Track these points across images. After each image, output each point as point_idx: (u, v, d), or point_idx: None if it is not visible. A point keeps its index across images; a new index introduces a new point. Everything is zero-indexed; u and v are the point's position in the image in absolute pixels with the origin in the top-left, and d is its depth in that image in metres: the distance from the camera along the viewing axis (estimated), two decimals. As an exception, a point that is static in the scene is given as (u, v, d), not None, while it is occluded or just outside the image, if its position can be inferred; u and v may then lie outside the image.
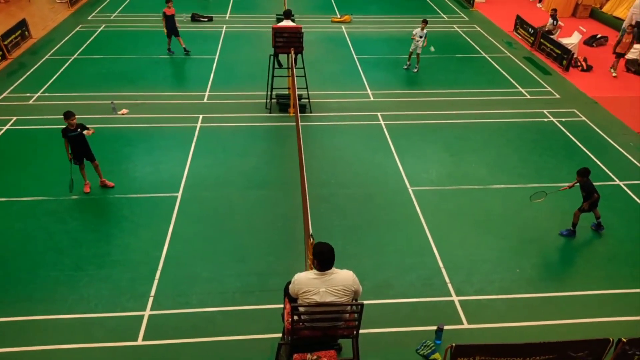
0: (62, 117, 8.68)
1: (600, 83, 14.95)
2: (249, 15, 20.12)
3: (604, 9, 20.71)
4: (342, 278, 4.95)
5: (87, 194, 9.33)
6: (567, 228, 8.70)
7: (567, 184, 8.88)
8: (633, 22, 17.90)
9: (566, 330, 6.92)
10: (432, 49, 14.85)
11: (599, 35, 18.27)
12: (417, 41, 14.61)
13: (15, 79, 13.89)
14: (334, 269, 4.94)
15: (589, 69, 15.80)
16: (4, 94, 13.02)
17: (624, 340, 5.47)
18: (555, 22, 17.23)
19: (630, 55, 15.92)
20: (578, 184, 8.48)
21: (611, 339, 5.51)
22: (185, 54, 15.94)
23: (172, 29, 15.53)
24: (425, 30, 14.53)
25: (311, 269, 5.13)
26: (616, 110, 13.20)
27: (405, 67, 15.38)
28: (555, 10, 17.66)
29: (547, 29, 17.22)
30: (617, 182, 10.22)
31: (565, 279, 7.92)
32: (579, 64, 15.93)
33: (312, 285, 4.88)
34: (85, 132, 8.82)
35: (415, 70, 15.21)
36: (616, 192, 9.90)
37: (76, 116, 8.77)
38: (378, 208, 9.27)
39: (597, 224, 8.78)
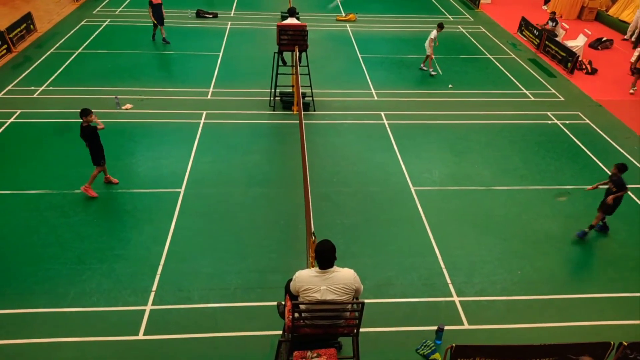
0: (81, 116, 8.50)
1: (604, 86, 14.91)
2: (254, 13, 20.12)
3: (610, 12, 20.64)
4: (343, 276, 4.95)
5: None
6: (582, 229, 8.67)
7: (590, 186, 8.90)
8: (638, 27, 17.86)
9: (567, 332, 6.91)
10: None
11: (604, 38, 18.21)
12: (434, 40, 14.62)
13: (20, 72, 13.91)
14: (335, 267, 4.95)
15: (594, 72, 15.76)
16: (9, 87, 13.04)
17: (625, 344, 5.48)
18: (554, 24, 17.19)
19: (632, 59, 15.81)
20: (604, 186, 8.50)
21: (612, 343, 5.52)
22: (165, 43, 16.36)
23: (158, 18, 15.97)
24: (437, 32, 14.57)
25: (312, 266, 5.14)
26: (620, 113, 13.17)
27: (434, 72, 15.09)
28: (554, 13, 17.72)
29: (549, 30, 17.18)
30: (620, 185, 10.18)
31: (566, 281, 7.90)
32: (583, 66, 15.88)
33: (313, 283, 4.89)
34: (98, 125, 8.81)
35: (431, 70, 15.16)
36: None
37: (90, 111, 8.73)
38: (380, 207, 9.27)
39: (602, 225, 8.80)
